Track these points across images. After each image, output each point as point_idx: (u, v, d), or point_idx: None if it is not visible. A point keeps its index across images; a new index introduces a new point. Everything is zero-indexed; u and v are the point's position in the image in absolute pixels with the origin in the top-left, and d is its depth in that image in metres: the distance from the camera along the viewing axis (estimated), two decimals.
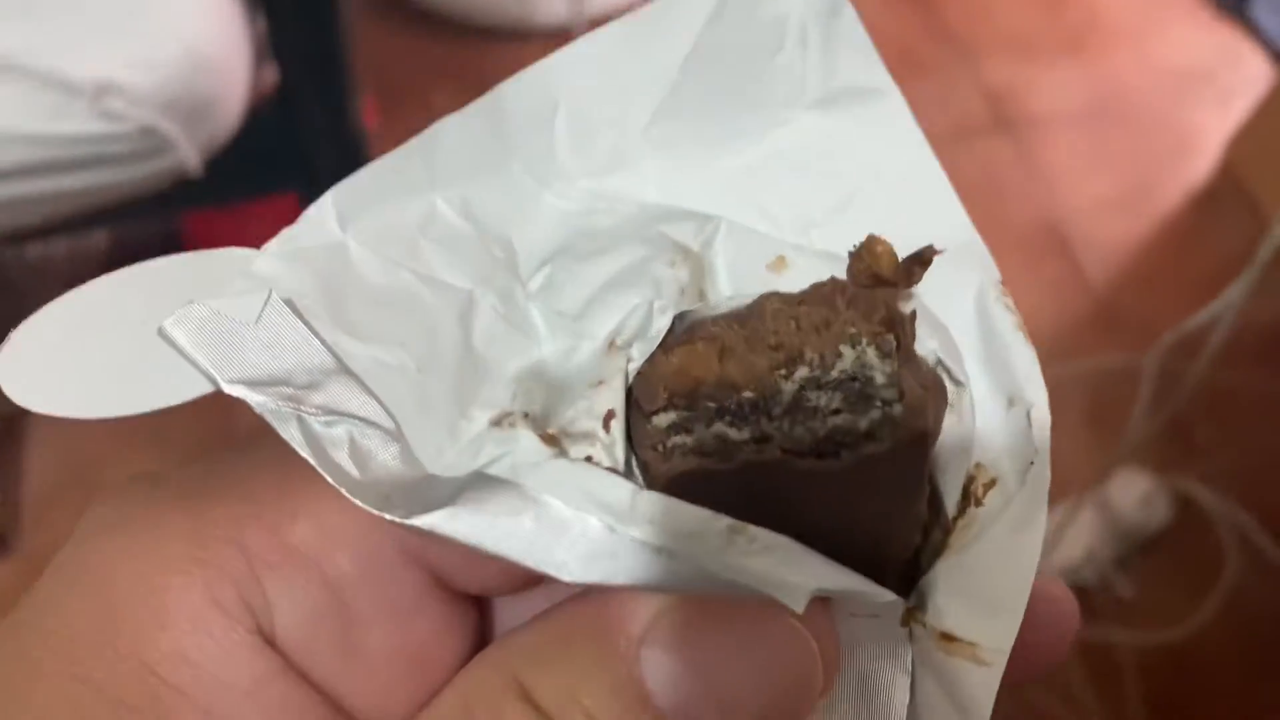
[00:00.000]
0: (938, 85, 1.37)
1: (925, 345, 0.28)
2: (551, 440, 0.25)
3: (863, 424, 0.24)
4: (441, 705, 0.25)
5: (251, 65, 0.85)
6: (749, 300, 0.28)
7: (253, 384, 0.24)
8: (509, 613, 0.30)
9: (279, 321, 0.24)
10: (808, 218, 0.31)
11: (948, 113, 1.34)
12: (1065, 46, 1.43)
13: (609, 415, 0.26)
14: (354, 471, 0.24)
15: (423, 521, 0.23)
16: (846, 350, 0.25)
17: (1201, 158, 1.28)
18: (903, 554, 0.27)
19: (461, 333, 0.27)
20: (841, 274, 0.28)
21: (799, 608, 0.23)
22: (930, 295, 0.28)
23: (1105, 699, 0.94)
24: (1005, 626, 0.26)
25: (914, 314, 0.27)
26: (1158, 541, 1.00)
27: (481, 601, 0.29)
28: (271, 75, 0.88)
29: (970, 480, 0.28)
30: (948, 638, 0.27)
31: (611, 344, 0.27)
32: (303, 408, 0.24)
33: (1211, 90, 1.37)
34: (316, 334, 0.25)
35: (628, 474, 0.26)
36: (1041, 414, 0.28)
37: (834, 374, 0.24)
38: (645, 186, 0.31)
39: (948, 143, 1.23)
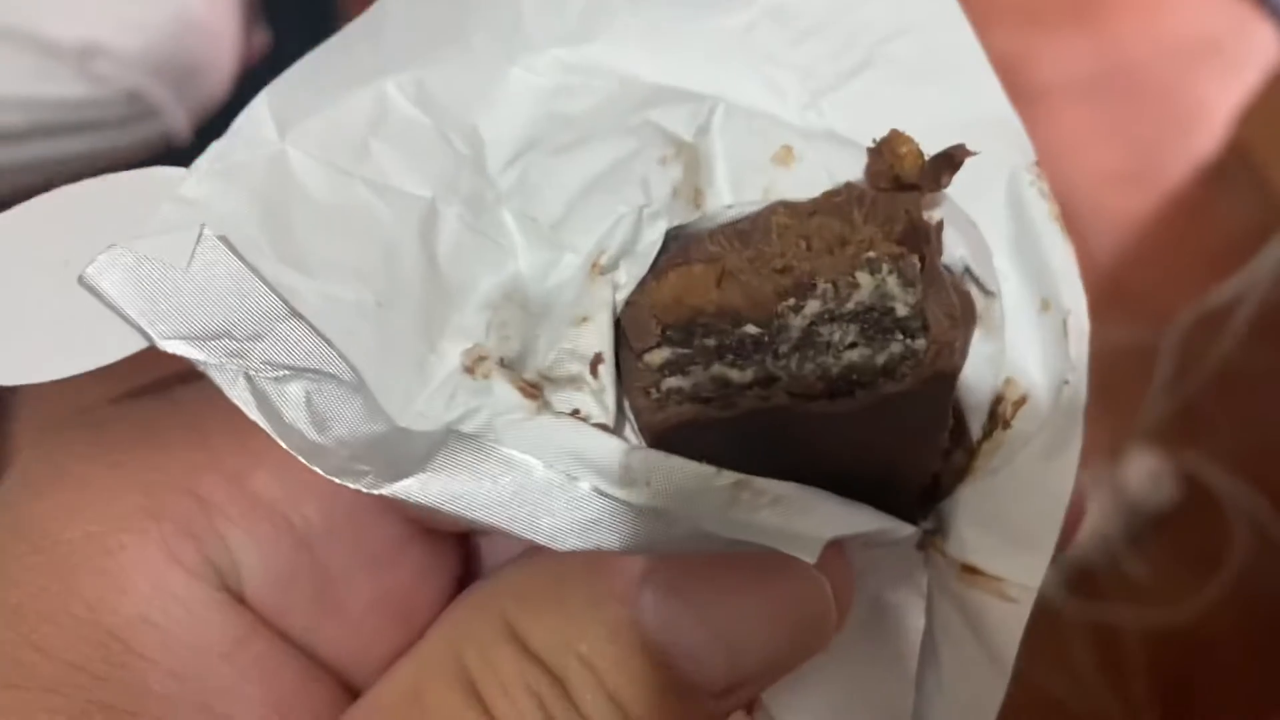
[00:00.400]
0: None
1: (952, 254, 0.26)
2: (532, 390, 0.23)
3: (881, 359, 0.22)
4: (428, 650, 0.23)
5: (242, 28, 0.83)
6: (753, 209, 0.25)
7: (191, 338, 0.21)
8: (497, 546, 0.28)
9: (214, 261, 0.21)
10: (818, 83, 0.27)
11: None
12: (1072, 16, 1.41)
13: (596, 360, 0.23)
14: (312, 433, 0.21)
15: (393, 490, 0.21)
16: (864, 278, 0.22)
17: (1209, 131, 1.26)
18: (920, 480, 0.25)
19: (424, 252, 0.24)
20: (858, 164, 0.25)
21: (812, 559, 0.22)
22: (958, 181, 0.25)
23: (1111, 679, 0.93)
24: (1034, 561, 0.24)
25: (940, 224, 0.24)
26: (1165, 521, 0.99)
27: (465, 537, 0.27)
28: (262, 39, 0.86)
29: (998, 399, 0.26)
30: (971, 570, 0.25)
31: (595, 264, 0.24)
32: (249, 363, 0.21)
33: (1219, 62, 1.35)
34: (258, 273, 0.21)
35: (619, 420, 0.23)
36: (1080, 323, 0.25)
37: (850, 306, 0.22)
38: (626, 55, 0.27)
39: None
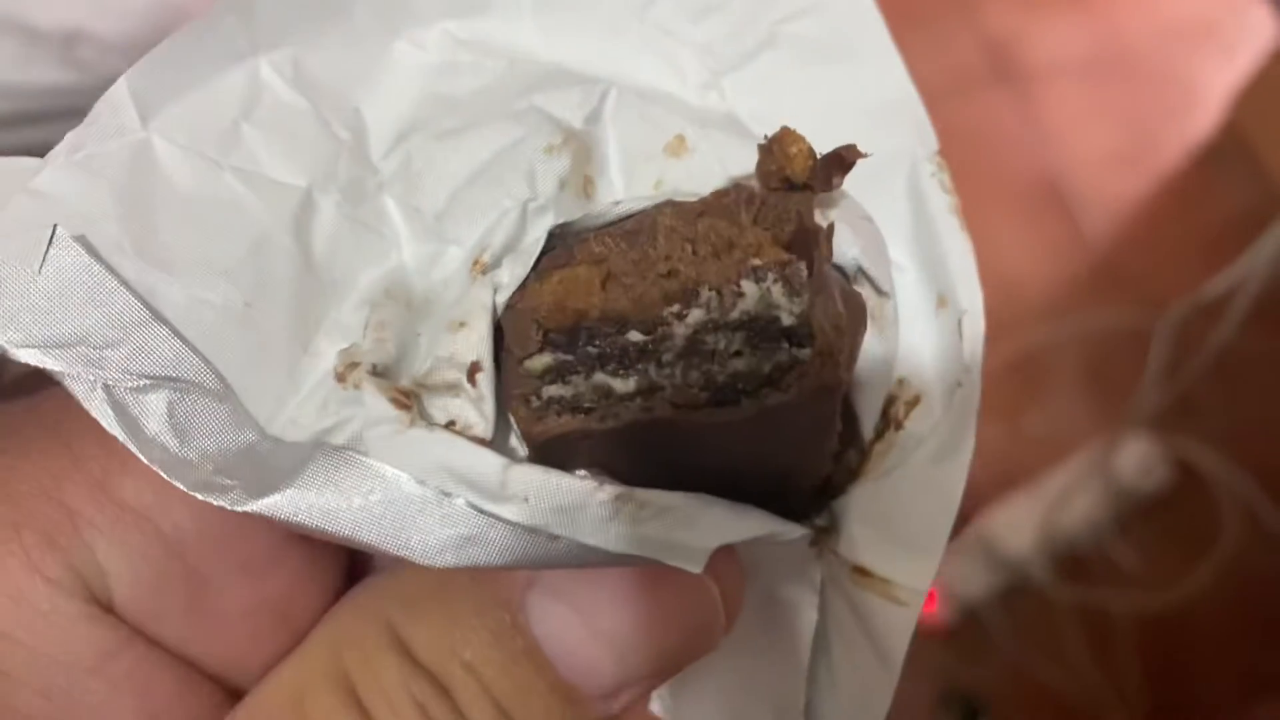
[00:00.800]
0: (934, 35, 1.33)
1: (845, 253, 0.25)
2: (404, 400, 0.22)
3: (766, 368, 0.21)
4: (309, 654, 0.22)
5: None
6: (641, 206, 0.24)
7: (44, 345, 0.20)
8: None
9: (69, 263, 0.20)
10: (719, 63, 0.26)
11: (944, 64, 1.31)
12: None
13: (474, 368, 0.22)
14: (175, 446, 0.20)
15: (258, 507, 0.20)
16: (749, 286, 0.21)
17: (1204, 112, 1.25)
18: (811, 482, 0.25)
19: (298, 245, 0.23)
20: (752, 156, 0.24)
21: (698, 569, 0.21)
22: (856, 172, 0.24)
23: (1102, 663, 0.94)
24: (924, 566, 0.24)
25: (831, 227, 0.23)
26: (1156, 505, 0.99)
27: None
28: None
29: (891, 400, 0.25)
30: (861, 571, 0.24)
31: (477, 262, 0.23)
32: (107, 372, 0.20)
33: (1215, 43, 1.34)
34: (117, 275, 0.20)
35: (501, 428, 0.22)
36: (974, 324, 0.25)
37: (734, 315, 0.21)
38: (520, 29, 0.26)
39: (944, 95, 1.21)
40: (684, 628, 0.23)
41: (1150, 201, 1.18)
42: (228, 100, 0.23)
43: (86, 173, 0.22)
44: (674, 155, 0.25)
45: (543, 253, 0.23)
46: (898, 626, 0.24)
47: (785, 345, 0.21)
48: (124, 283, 0.20)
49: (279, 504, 0.20)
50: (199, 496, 0.20)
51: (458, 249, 0.24)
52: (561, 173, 0.24)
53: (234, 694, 0.23)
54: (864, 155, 0.23)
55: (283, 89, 0.24)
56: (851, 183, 0.24)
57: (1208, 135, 1.23)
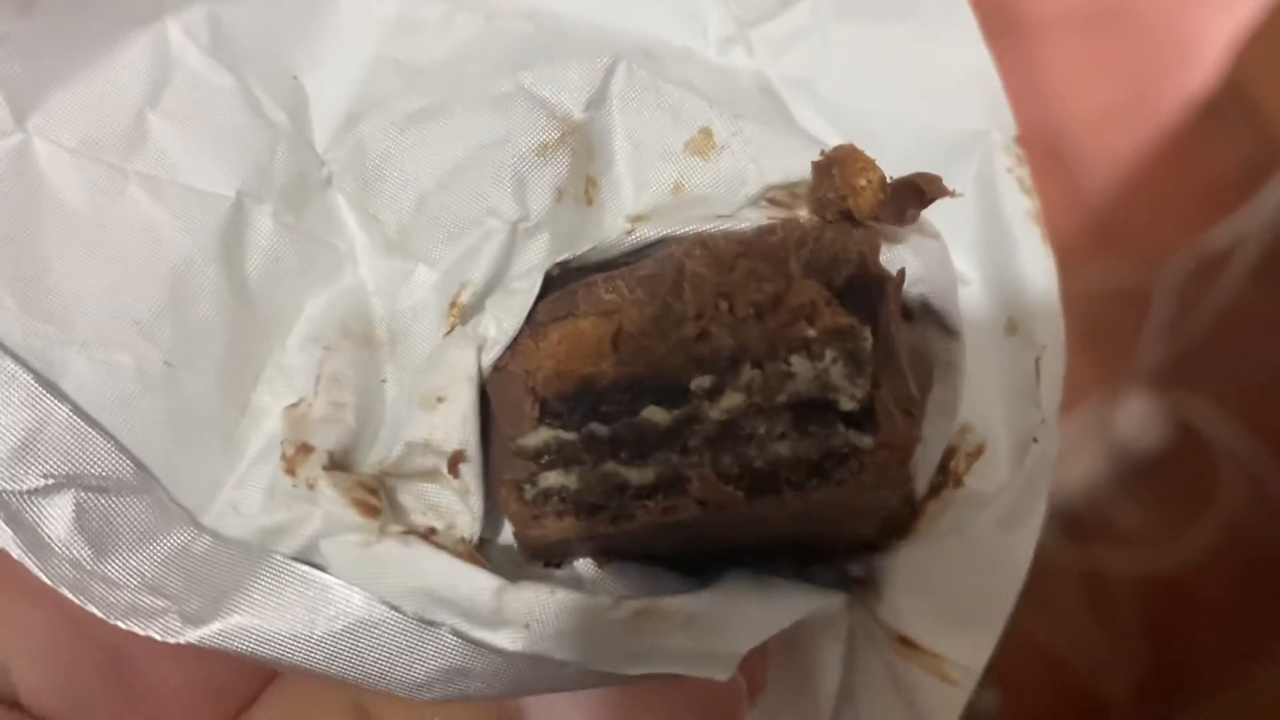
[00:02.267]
0: None
1: (906, 285, 0.20)
2: (372, 501, 0.17)
3: (816, 455, 0.17)
4: None
5: None
6: (660, 234, 0.19)
7: None
8: None
9: None
10: (747, 11, 0.21)
11: None
12: None
13: (457, 458, 0.18)
14: (88, 559, 0.16)
15: (197, 637, 0.17)
16: (801, 364, 0.17)
17: (1203, 65, 1.23)
18: (851, 543, 0.22)
19: (226, 276, 0.18)
20: (794, 160, 0.20)
21: (726, 676, 0.18)
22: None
23: (1100, 623, 0.93)
24: (980, 642, 0.22)
25: (902, 274, 0.19)
26: (1155, 465, 0.98)
27: None
28: None
29: (951, 451, 0.21)
30: (907, 643, 0.22)
31: (454, 303, 0.19)
32: None
33: None
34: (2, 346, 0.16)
35: (489, 510, 0.18)
36: (1055, 364, 0.21)
37: (781, 399, 0.17)
38: None
39: None
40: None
41: (1149, 156, 1.16)
42: (128, 82, 0.18)
43: None
44: (698, 154, 0.20)
45: (536, 300, 0.19)
46: (945, 706, 0.22)
47: (841, 428, 0.17)
48: (7, 351, 0.16)
49: (222, 633, 0.17)
50: (122, 625, 0.16)
51: (428, 270, 0.19)
52: (559, 180, 0.20)
53: None
54: (950, 193, 0.18)
55: (199, 60, 0.19)
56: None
57: (1207, 88, 1.21)
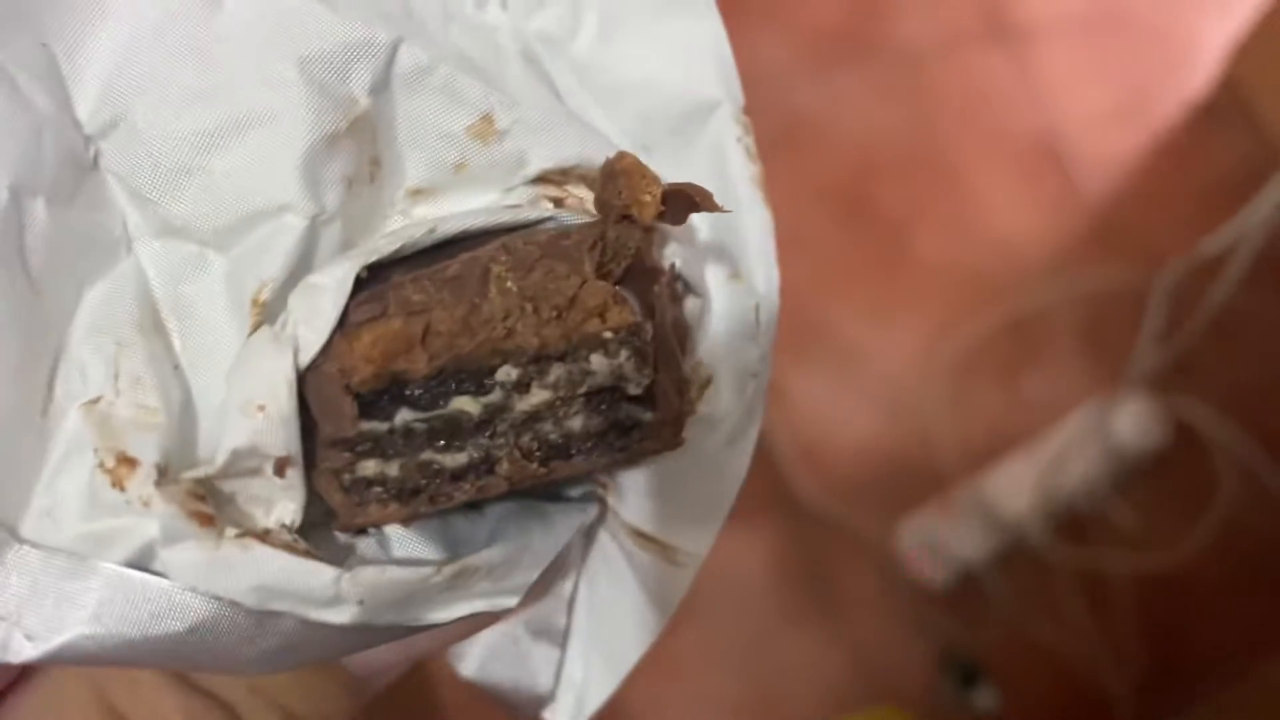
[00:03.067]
0: None
1: (660, 254, 0.22)
2: (205, 510, 0.18)
3: (603, 427, 0.20)
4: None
5: None
6: (461, 227, 0.20)
7: None
8: None
9: None
10: None
11: (939, 22, 1.29)
12: None
13: (283, 463, 0.18)
14: None
15: (35, 655, 0.17)
16: (599, 361, 0.19)
17: (1200, 68, 1.24)
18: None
19: (9, 276, 0.17)
20: (570, 147, 0.21)
21: (515, 603, 0.21)
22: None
23: (1100, 625, 0.94)
24: (706, 534, 0.24)
25: (674, 269, 0.22)
26: (1154, 466, 0.99)
27: None
28: None
29: (686, 381, 0.23)
30: (643, 535, 0.24)
31: (255, 301, 0.19)
32: None
33: None
34: None
35: (311, 508, 0.19)
36: (771, 312, 0.23)
37: (582, 390, 0.19)
38: None
39: (937, 54, 1.19)
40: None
41: (1147, 159, 1.17)
42: None
43: None
44: (479, 138, 0.21)
45: (347, 305, 0.19)
46: (675, 583, 0.25)
47: (625, 406, 0.20)
48: None
49: (66, 647, 0.17)
50: None
51: (217, 255, 0.19)
52: (348, 169, 0.20)
53: None
54: (720, 209, 0.20)
55: None
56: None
57: (1204, 91, 1.21)
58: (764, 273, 0.23)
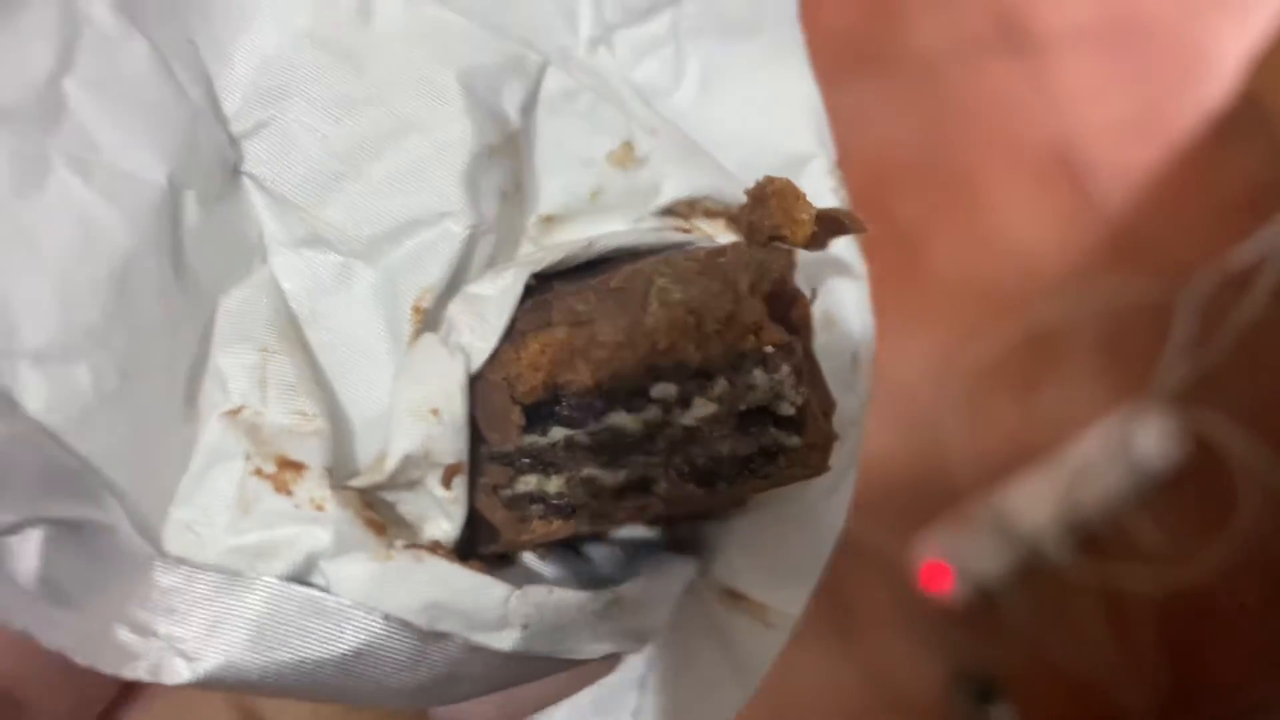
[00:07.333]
0: (942, 2, 1.31)
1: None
2: (378, 520, 0.17)
3: (749, 451, 0.19)
4: None
5: None
6: (619, 245, 0.20)
7: None
8: None
9: None
10: (614, 12, 0.22)
11: (955, 32, 1.29)
12: None
13: (453, 470, 0.18)
14: (57, 600, 0.15)
15: (191, 677, 0.16)
16: (759, 376, 0.18)
17: (1218, 78, 1.23)
18: (691, 514, 0.24)
19: (164, 271, 0.17)
20: (707, 179, 0.22)
21: (644, 646, 0.21)
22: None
23: (1119, 642, 0.93)
24: (800, 592, 0.24)
25: (815, 293, 0.21)
26: (1174, 482, 0.97)
27: None
28: None
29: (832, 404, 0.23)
30: (735, 595, 0.24)
31: (416, 307, 0.19)
32: None
33: (1228, 7, 1.31)
34: None
35: (469, 528, 0.19)
36: (867, 360, 0.23)
37: (741, 406, 0.19)
38: None
39: (954, 64, 1.18)
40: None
41: (1165, 170, 1.16)
42: (37, 42, 0.16)
43: None
44: (618, 165, 0.21)
45: (515, 312, 0.19)
46: (764, 646, 0.24)
47: (772, 430, 0.19)
48: None
49: (225, 669, 0.16)
50: (109, 672, 0.15)
51: (364, 266, 0.19)
52: (504, 182, 0.20)
53: None
54: (865, 229, 0.20)
55: (107, 18, 0.17)
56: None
57: (1223, 102, 1.20)
58: (860, 321, 0.23)
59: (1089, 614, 0.94)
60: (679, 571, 0.23)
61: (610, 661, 0.21)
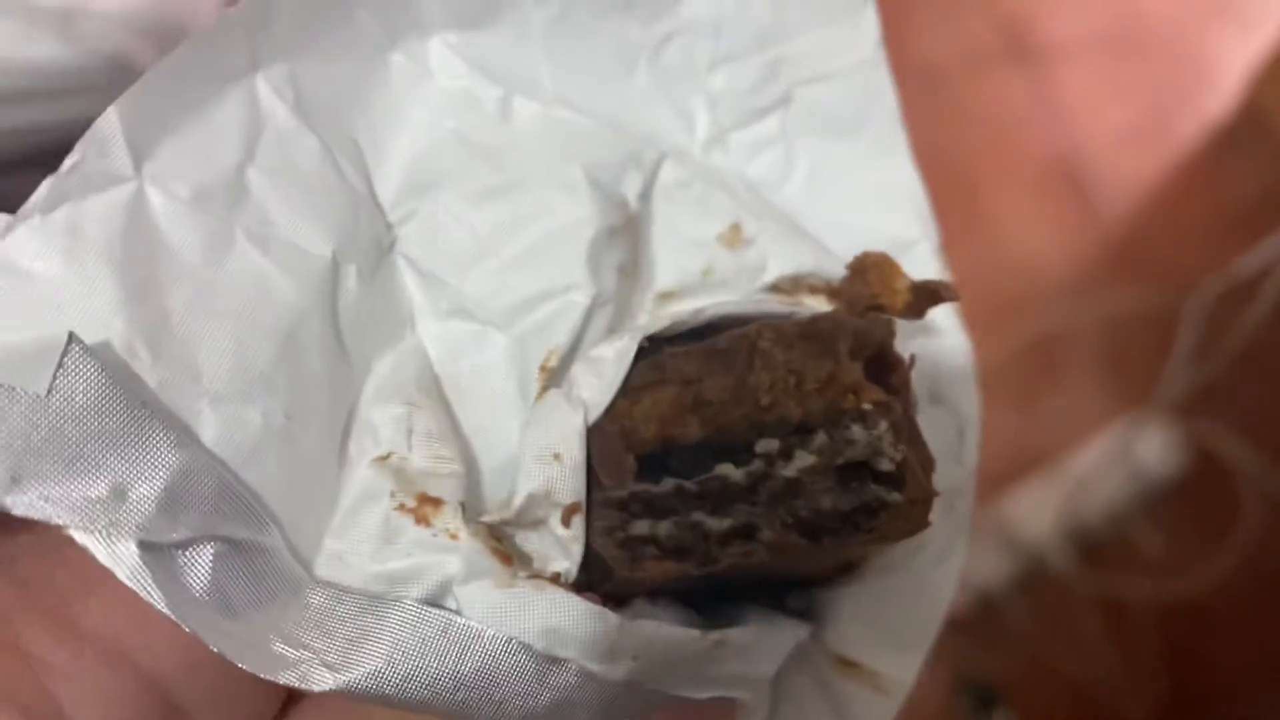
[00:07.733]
0: (947, 13, 1.32)
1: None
2: (504, 550, 0.19)
3: (851, 506, 0.20)
4: None
5: None
6: (725, 313, 0.22)
7: (52, 498, 0.15)
8: None
9: (83, 384, 0.15)
10: (729, 115, 0.24)
11: (957, 42, 1.29)
12: None
13: (572, 509, 0.20)
14: (226, 610, 0.17)
15: (334, 684, 0.17)
16: (859, 431, 0.20)
17: (1222, 89, 1.23)
18: (800, 580, 0.25)
19: (326, 331, 0.19)
20: (813, 257, 0.23)
21: (751, 695, 0.21)
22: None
23: (1120, 651, 0.93)
24: (913, 659, 0.25)
25: (913, 358, 0.22)
26: (1176, 492, 0.98)
27: None
28: None
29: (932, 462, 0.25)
30: (847, 663, 0.25)
31: (543, 366, 0.21)
32: (133, 525, 0.16)
33: (1232, 18, 1.32)
34: (140, 395, 0.16)
35: (587, 568, 0.20)
36: (974, 434, 0.25)
37: (840, 460, 0.20)
38: (526, 50, 0.22)
39: (956, 74, 1.19)
40: None
41: (1167, 181, 1.16)
42: (228, 133, 0.19)
43: (74, 240, 0.17)
44: (728, 245, 0.23)
45: (630, 370, 0.21)
46: (877, 712, 0.25)
47: (873, 485, 0.20)
48: (152, 406, 0.16)
49: (365, 678, 0.17)
50: (264, 676, 0.17)
51: (498, 334, 0.21)
52: (622, 261, 0.22)
53: None
54: (959, 298, 0.22)
55: (285, 118, 0.19)
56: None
57: (1226, 113, 1.21)
58: (966, 397, 0.25)
59: (1090, 622, 0.94)
60: (789, 629, 0.23)
61: (726, 707, 0.22)
